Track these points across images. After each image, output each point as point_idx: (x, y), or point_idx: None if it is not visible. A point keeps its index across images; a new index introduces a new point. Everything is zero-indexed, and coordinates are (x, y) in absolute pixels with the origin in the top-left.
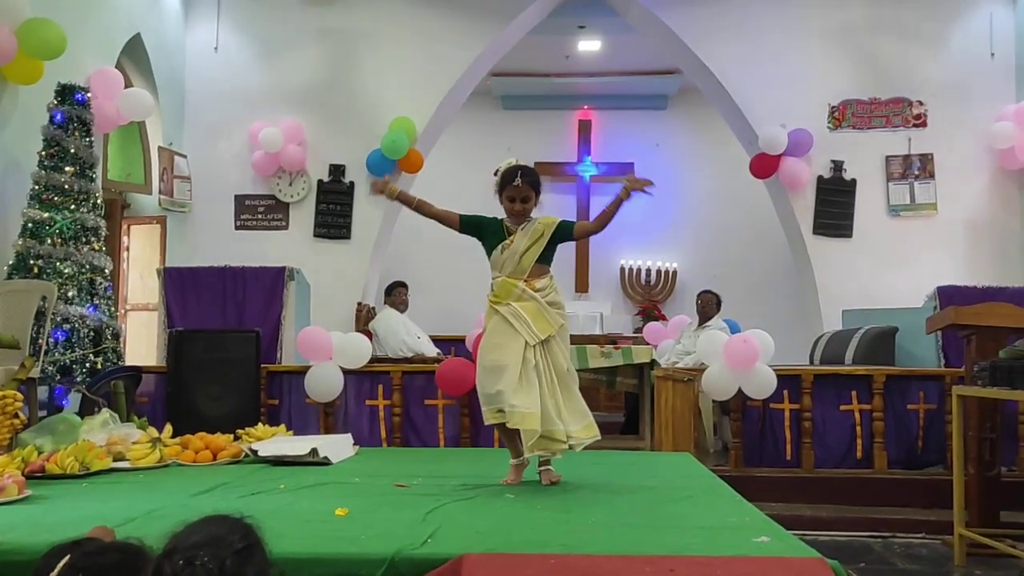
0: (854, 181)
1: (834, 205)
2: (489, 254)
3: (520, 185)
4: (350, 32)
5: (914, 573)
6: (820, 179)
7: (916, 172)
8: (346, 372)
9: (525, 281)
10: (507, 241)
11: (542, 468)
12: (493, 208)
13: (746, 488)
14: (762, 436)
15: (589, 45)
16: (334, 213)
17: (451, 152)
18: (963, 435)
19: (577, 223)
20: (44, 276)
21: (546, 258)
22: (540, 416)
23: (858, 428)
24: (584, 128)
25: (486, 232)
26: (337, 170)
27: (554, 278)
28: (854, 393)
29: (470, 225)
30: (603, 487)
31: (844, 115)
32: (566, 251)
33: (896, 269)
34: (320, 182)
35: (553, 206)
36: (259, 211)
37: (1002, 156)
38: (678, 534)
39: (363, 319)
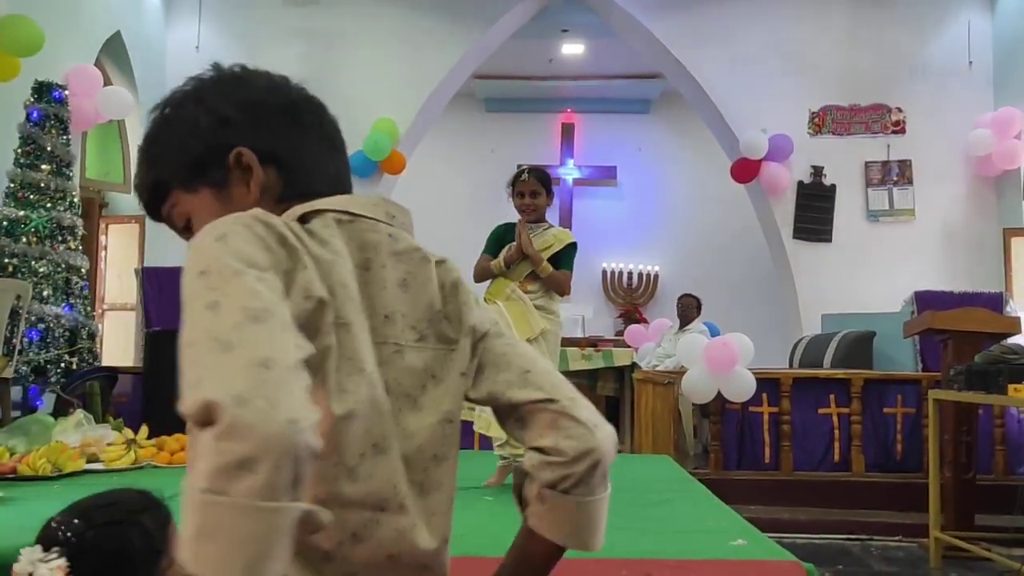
0: (833, 186)
1: (814, 210)
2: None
3: (528, 179)
4: (332, 33)
5: (890, 575)
6: (800, 184)
7: (895, 178)
8: None
9: (519, 283)
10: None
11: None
12: (477, 210)
13: (725, 491)
14: (741, 439)
15: (572, 49)
16: None
17: (434, 154)
18: (939, 439)
19: (568, 271)
20: (19, 275)
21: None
22: None
23: (836, 431)
24: (567, 131)
25: (504, 239)
26: None
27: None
28: (832, 397)
29: (496, 247)
30: None
31: (824, 121)
32: None
33: (875, 274)
34: None
35: None
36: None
37: (979, 163)
38: (655, 537)
39: None
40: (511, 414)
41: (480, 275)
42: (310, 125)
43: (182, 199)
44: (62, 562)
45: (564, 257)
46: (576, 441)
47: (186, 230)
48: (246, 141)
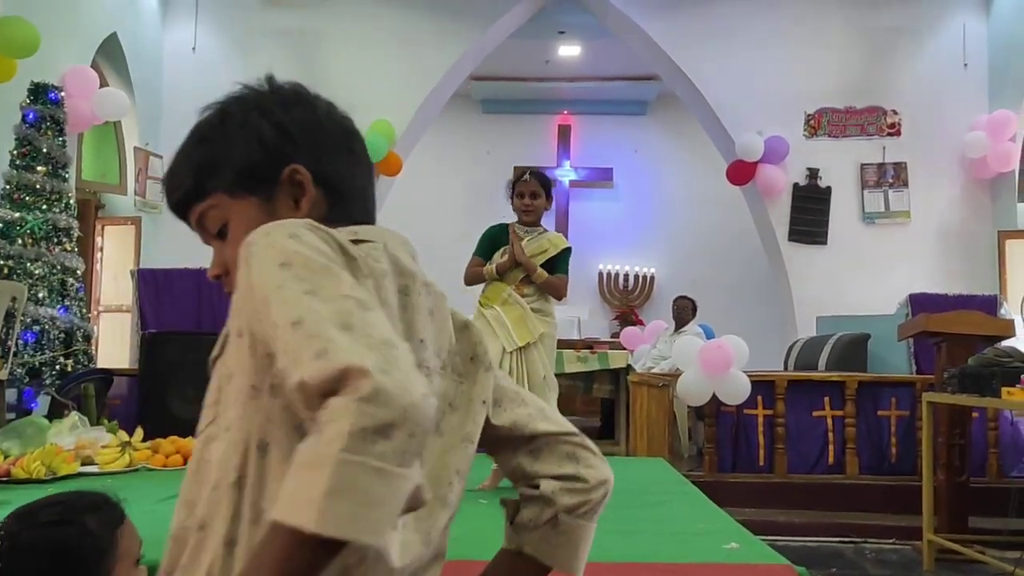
0: (829, 189)
1: (809, 212)
2: (489, 257)
3: (529, 180)
4: (329, 34)
5: None
6: (796, 186)
7: (890, 180)
8: None
9: (515, 286)
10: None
11: None
12: (473, 211)
13: (719, 493)
14: (736, 441)
15: (569, 50)
16: None
17: (431, 155)
18: (933, 441)
19: (564, 276)
20: (14, 277)
21: (545, 270)
22: None
23: (830, 434)
24: (564, 133)
25: (497, 241)
26: None
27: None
28: (827, 399)
29: (488, 249)
30: None
31: (820, 123)
32: None
33: (870, 276)
34: None
35: None
36: None
37: (974, 165)
38: (649, 540)
39: None
40: (527, 444)
41: (471, 279)
42: (359, 155)
43: (224, 203)
44: None
45: (560, 262)
46: (595, 471)
47: (218, 235)
48: (303, 159)
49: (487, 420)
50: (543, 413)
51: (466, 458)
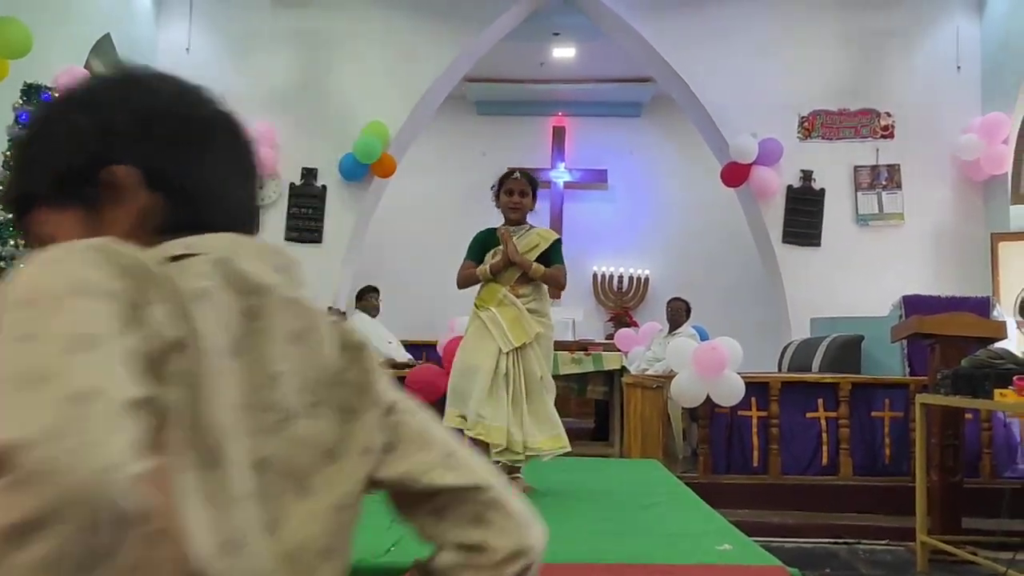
0: (823, 191)
1: (803, 214)
2: (482, 261)
3: (519, 178)
4: (324, 35)
5: None
6: (790, 188)
7: (883, 182)
8: None
9: (511, 287)
10: (501, 247)
11: (511, 477)
12: (468, 213)
13: (713, 495)
14: (729, 443)
15: (563, 52)
16: (306, 217)
17: (425, 157)
18: (926, 443)
19: (560, 265)
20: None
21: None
22: (505, 430)
23: (824, 435)
24: (558, 134)
25: (487, 244)
26: (309, 173)
27: (543, 287)
28: (820, 401)
29: (479, 252)
30: (569, 494)
31: (813, 125)
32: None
33: (863, 278)
34: (292, 185)
35: None
36: None
37: (967, 168)
38: (641, 541)
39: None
40: (426, 502)
41: (464, 281)
42: (218, 146)
43: (47, 217)
44: None
45: (553, 253)
46: (507, 538)
47: None
48: (131, 157)
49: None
50: (448, 461)
51: (338, 530)
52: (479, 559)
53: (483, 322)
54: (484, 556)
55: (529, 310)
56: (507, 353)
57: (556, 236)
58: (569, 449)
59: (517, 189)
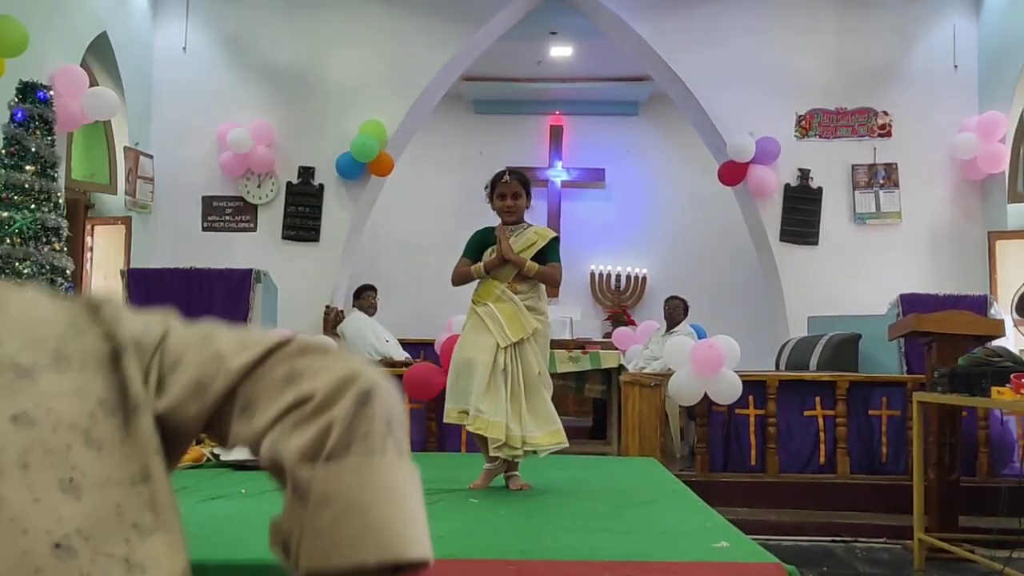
0: (820, 189)
1: (800, 213)
2: (477, 259)
3: (509, 181)
4: (321, 34)
5: None
6: (787, 187)
7: (881, 181)
8: None
9: (508, 284)
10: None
11: (509, 474)
12: (465, 212)
13: (711, 493)
14: (727, 441)
15: (561, 51)
16: (303, 215)
17: (422, 156)
18: (924, 441)
19: (557, 263)
20: (2, 276)
21: (536, 263)
22: (504, 425)
23: (822, 434)
24: (555, 133)
25: (484, 243)
26: (306, 172)
27: (540, 285)
28: (818, 399)
29: (475, 251)
30: (567, 492)
31: (811, 124)
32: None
33: (861, 276)
34: (289, 184)
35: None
36: (227, 213)
37: (964, 166)
38: (639, 539)
39: (331, 322)
40: (232, 404)
41: (459, 279)
42: None
43: None
44: None
45: (550, 251)
46: (327, 375)
47: None
48: None
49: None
50: (237, 345)
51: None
52: (302, 411)
53: (480, 317)
54: (306, 405)
55: (527, 307)
56: (505, 348)
57: (553, 234)
58: (567, 445)
59: (509, 193)
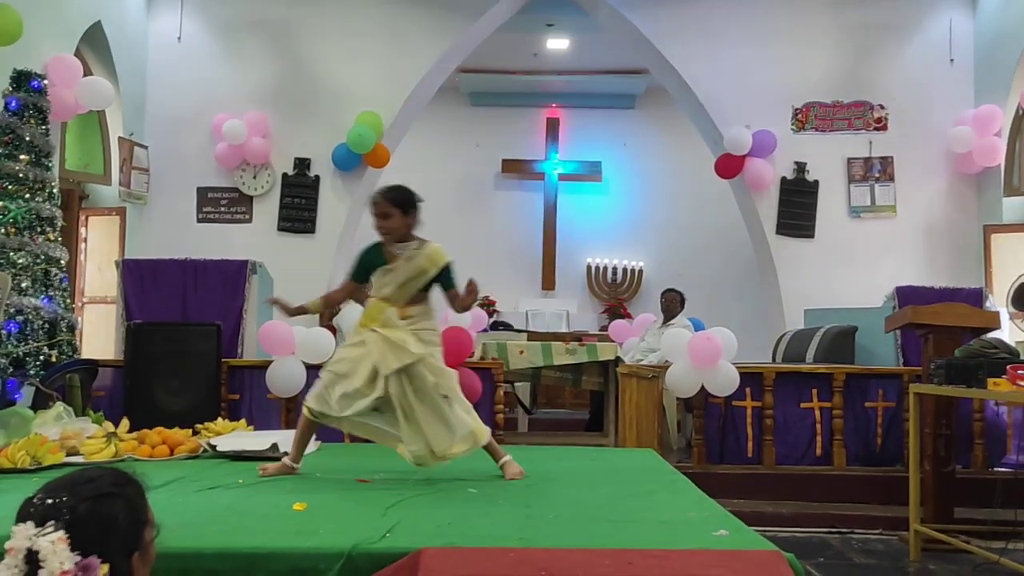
0: (816, 182)
1: (797, 206)
2: (363, 280)
3: (378, 201)
4: (317, 25)
5: (870, 568)
6: (783, 180)
7: (876, 174)
8: (308, 367)
9: (400, 307)
10: (388, 266)
11: (503, 461)
12: (461, 204)
13: (708, 484)
14: (724, 433)
15: (557, 43)
16: (299, 207)
17: (418, 148)
18: (920, 432)
19: (454, 289)
20: None
21: (427, 290)
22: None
23: (818, 425)
24: (552, 126)
25: (372, 263)
26: (302, 164)
27: (430, 305)
28: (815, 391)
29: (361, 273)
30: (565, 482)
31: (807, 117)
32: (533, 249)
33: (857, 269)
34: (285, 175)
35: (520, 203)
36: (222, 204)
37: (960, 160)
38: (638, 528)
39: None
40: None
41: (326, 304)
42: None
43: None
44: (61, 534)
45: (445, 280)
46: None
47: None
48: None
49: None
50: None
51: None
52: None
53: (361, 341)
54: None
55: (416, 330)
56: (387, 376)
57: (445, 261)
58: (485, 442)
59: (379, 213)
